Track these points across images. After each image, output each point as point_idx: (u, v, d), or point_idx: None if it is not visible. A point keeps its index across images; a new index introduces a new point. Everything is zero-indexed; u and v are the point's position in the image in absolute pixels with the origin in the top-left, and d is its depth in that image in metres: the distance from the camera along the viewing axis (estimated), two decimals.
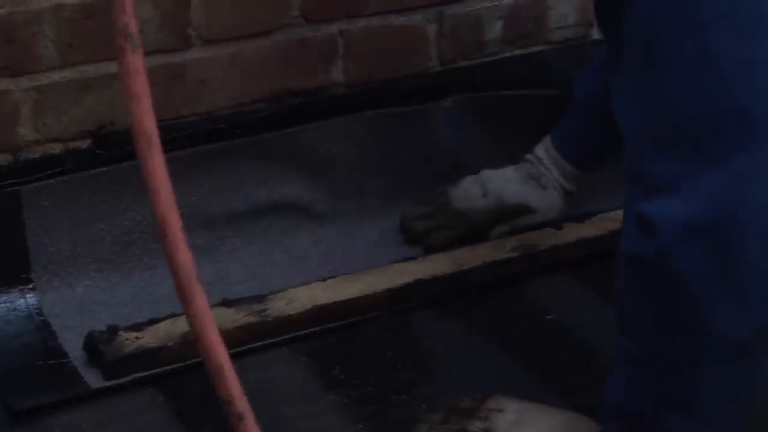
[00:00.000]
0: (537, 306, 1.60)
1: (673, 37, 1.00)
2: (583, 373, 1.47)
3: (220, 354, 0.98)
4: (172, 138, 1.60)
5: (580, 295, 1.62)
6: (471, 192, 1.70)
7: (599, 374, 1.44)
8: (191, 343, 1.40)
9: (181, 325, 1.45)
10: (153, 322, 1.47)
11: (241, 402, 1.02)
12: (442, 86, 1.81)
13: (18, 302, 1.49)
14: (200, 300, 0.96)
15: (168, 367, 1.43)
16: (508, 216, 1.69)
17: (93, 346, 1.44)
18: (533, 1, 1.87)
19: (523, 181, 1.70)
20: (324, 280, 1.57)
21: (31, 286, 1.51)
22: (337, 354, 1.49)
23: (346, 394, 1.42)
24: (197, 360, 1.41)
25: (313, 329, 1.52)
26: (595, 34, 1.95)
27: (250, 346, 1.47)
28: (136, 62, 1.02)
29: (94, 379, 1.41)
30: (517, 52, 1.88)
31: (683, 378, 1.08)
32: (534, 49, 1.90)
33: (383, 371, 1.46)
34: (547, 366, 1.48)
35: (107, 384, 1.41)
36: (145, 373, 1.42)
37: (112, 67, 1.52)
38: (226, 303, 1.50)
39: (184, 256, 0.95)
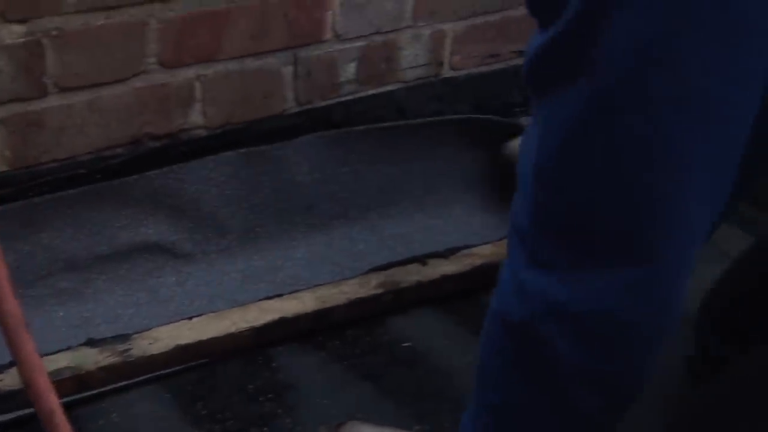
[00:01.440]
0: (395, 337, 1.60)
1: (589, 141, 0.95)
2: (436, 397, 1.48)
3: (51, 400, 0.95)
4: (33, 185, 1.57)
5: (439, 327, 1.63)
6: None
7: (451, 399, 1.47)
8: (55, 383, 1.40)
9: None
10: (13, 364, 1.39)
11: None
12: (299, 126, 1.80)
13: None
14: (28, 347, 0.94)
15: (30, 410, 1.33)
16: None
17: None
18: (384, 43, 1.86)
19: None
20: (189, 318, 1.55)
21: None
22: (200, 390, 1.48)
23: (208, 428, 1.42)
24: (61, 401, 1.42)
25: (176, 368, 1.50)
26: (446, 72, 1.97)
27: (114, 386, 1.45)
28: None
29: None
30: (371, 91, 1.88)
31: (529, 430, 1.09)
32: (387, 88, 1.90)
33: (244, 405, 1.46)
34: (402, 392, 1.49)
35: None
36: (6, 416, 1.39)
37: None
38: (90, 343, 1.47)
39: (11, 303, 0.92)
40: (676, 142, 0.92)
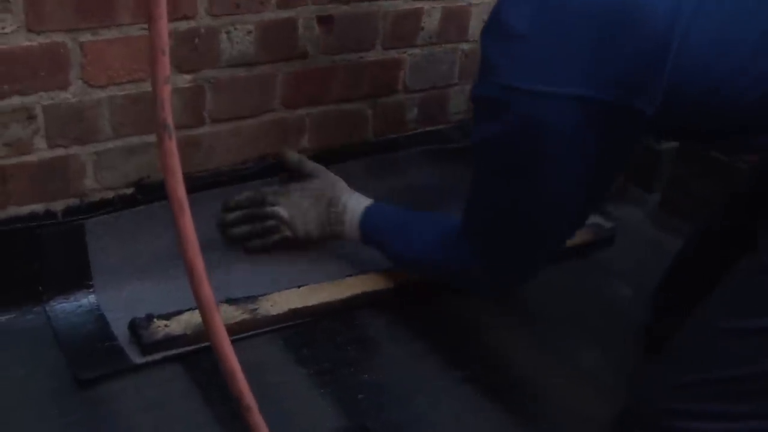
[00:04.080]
0: (431, 307, 1.61)
1: None
2: (460, 342, 1.53)
3: (234, 364, 0.99)
4: (191, 186, 1.59)
5: (468, 303, 1.63)
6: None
7: (466, 336, 1.52)
8: (203, 332, 1.35)
9: (196, 318, 1.39)
10: (177, 313, 1.44)
11: (248, 396, 1.02)
12: (375, 151, 1.83)
13: (82, 301, 1.48)
14: (219, 324, 0.96)
15: (187, 348, 1.42)
16: None
17: (134, 329, 1.42)
18: (438, 94, 1.89)
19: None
20: (298, 287, 1.55)
21: (91, 289, 1.49)
22: (305, 340, 1.49)
23: (310, 366, 1.44)
24: (207, 344, 1.35)
25: (288, 323, 1.51)
26: None
27: (246, 334, 1.47)
28: (172, 147, 1.01)
29: (135, 356, 1.39)
30: (427, 128, 1.90)
31: None
32: (439, 127, 1.92)
33: (335, 351, 1.48)
34: (443, 342, 1.53)
35: (145, 360, 1.39)
36: (171, 352, 1.41)
37: (149, 138, 1.54)
38: (229, 302, 1.49)
39: (207, 290, 0.94)
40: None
